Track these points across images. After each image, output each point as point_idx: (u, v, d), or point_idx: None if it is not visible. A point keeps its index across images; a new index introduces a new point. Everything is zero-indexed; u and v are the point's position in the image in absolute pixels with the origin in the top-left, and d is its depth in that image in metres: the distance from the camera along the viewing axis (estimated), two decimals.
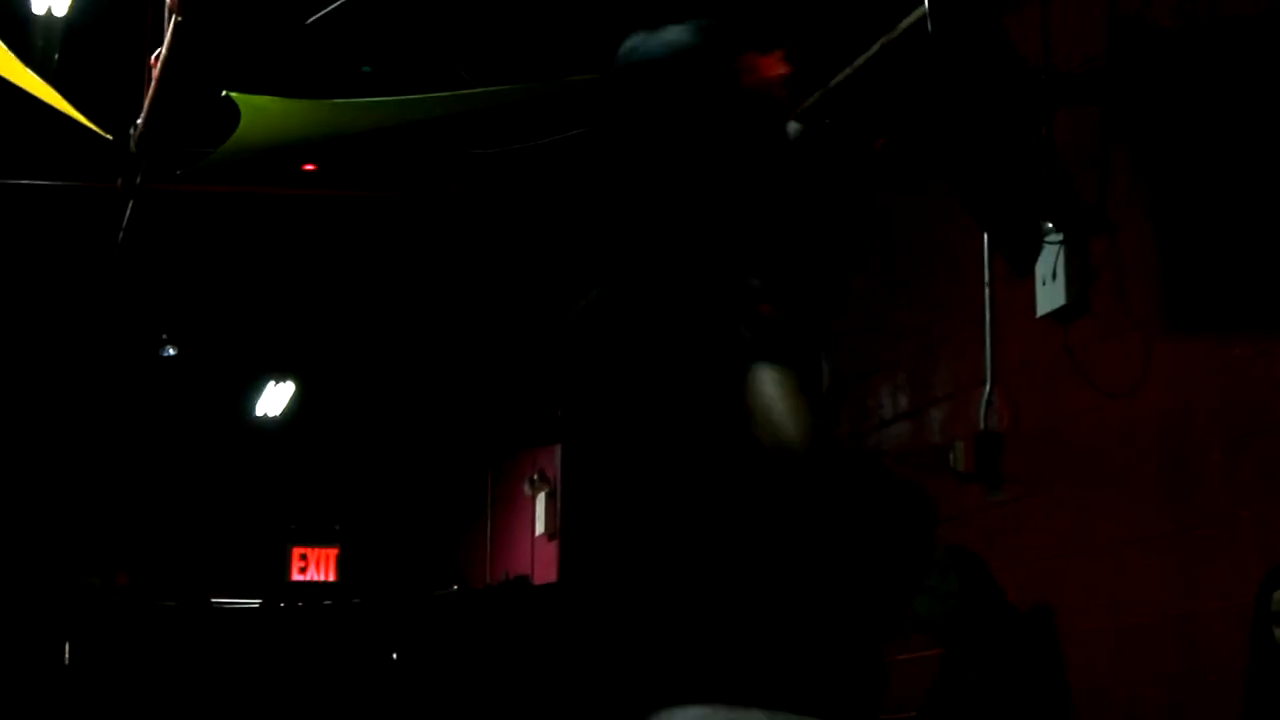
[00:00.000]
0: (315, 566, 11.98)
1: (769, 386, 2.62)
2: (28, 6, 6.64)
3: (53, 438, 11.20)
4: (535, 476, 10.93)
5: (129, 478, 11.61)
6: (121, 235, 8.42)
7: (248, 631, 11.00)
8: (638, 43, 2.83)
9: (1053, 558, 5.84)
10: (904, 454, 6.92)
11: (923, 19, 5.73)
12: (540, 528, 10.90)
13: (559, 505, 10.48)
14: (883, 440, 7.18)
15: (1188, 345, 5.26)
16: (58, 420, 11.16)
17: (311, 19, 6.43)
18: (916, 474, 6.57)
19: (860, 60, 6.65)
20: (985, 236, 6.04)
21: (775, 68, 2.91)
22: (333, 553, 12.05)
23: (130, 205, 8.00)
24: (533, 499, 11.02)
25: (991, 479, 6.25)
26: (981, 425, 6.24)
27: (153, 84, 6.51)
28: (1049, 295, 5.66)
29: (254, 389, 10.97)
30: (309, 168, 8.17)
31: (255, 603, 11.15)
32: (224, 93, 6.28)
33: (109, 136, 6.80)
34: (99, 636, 10.71)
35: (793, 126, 2.81)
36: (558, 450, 10.53)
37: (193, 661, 10.90)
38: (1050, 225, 5.66)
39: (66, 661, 10.56)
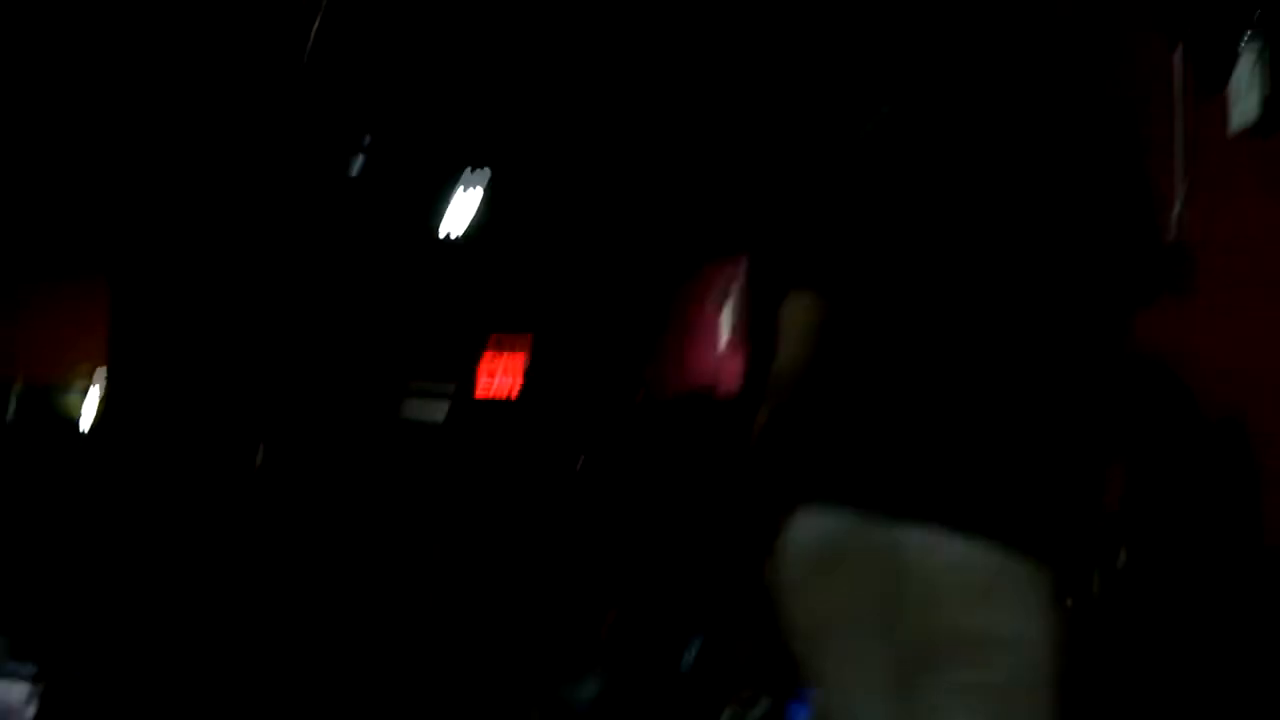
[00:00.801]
0: (505, 372, 12.20)
1: None
2: None
3: (243, 243, 11.46)
4: (722, 291, 11.03)
5: (322, 286, 11.80)
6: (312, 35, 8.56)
7: (439, 433, 11.33)
8: None
9: (1242, 369, 5.81)
10: None
11: None
12: (725, 342, 11.01)
13: (746, 319, 10.59)
14: None
15: None
16: (249, 224, 11.40)
17: None
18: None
19: None
20: (1177, 46, 5.94)
21: None
22: (522, 358, 12.24)
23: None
24: (718, 314, 11.14)
25: (1182, 291, 6.21)
26: (1172, 238, 6.20)
27: None
28: (1244, 108, 5.57)
29: (444, 195, 11.05)
30: None
31: (447, 405, 11.44)
32: None
33: None
34: (296, 437, 11.13)
35: None
36: (744, 265, 10.60)
37: (388, 462, 11.28)
38: (1248, 34, 5.55)
39: (258, 463, 11.01)
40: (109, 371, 11.24)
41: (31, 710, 8.33)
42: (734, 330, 10.79)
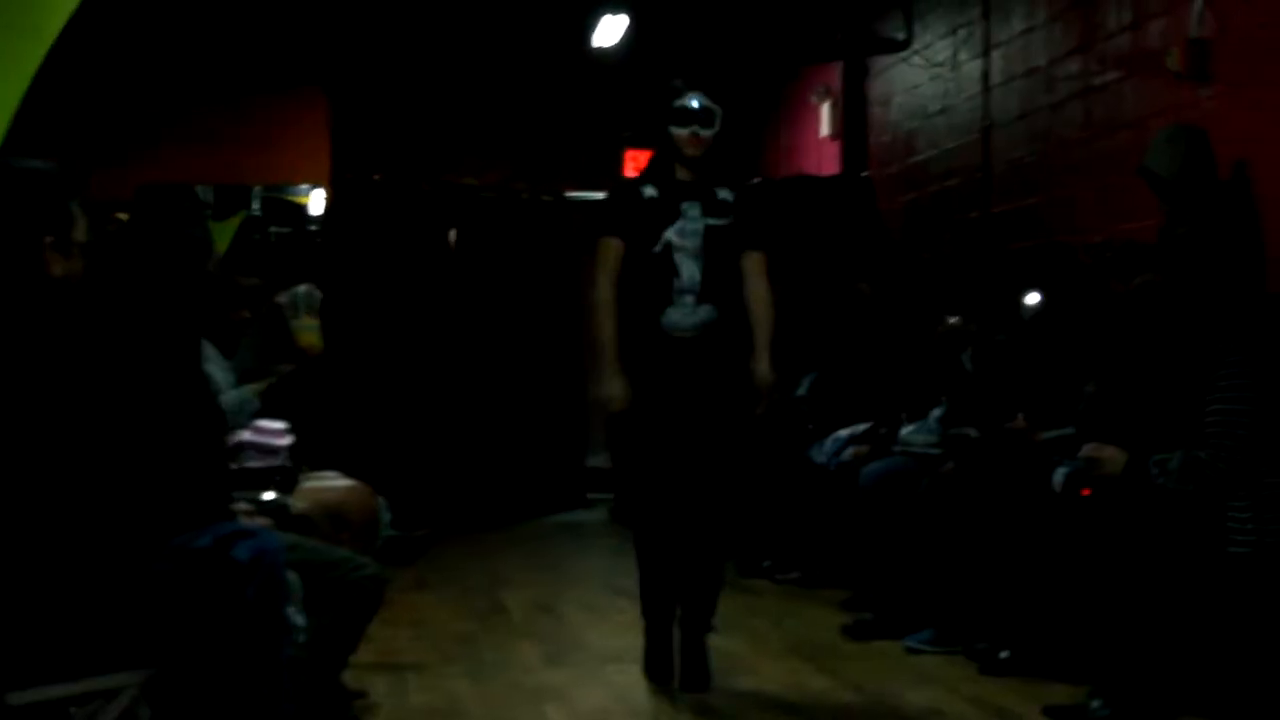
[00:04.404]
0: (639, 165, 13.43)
1: None
2: None
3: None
4: (821, 88, 12.49)
5: (482, 89, 12.99)
6: None
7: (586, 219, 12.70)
8: None
9: (1247, 142, 6.54)
10: (1126, 59, 7.80)
11: None
12: (824, 131, 12.49)
13: (841, 112, 12.02)
14: (1109, 50, 7.97)
15: None
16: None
17: None
18: (1137, 76, 7.70)
19: None
20: None
21: None
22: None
23: None
24: (818, 107, 12.57)
25: (1201, 78, 6.97)
26: (1193, 34, 6.96)
27: None
28: None
29: (592, 20, 12.12)
30: None
31: (599, 195, 12.86)
32: None
33: None
34: (476, 225, 12.65)
35: None
36: (840, 66, 11.98)
37: (547, 246, 12.87)
38: None
39: (451, 247, 12.62)
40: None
41: None
42: (831, 120, 12.28)
